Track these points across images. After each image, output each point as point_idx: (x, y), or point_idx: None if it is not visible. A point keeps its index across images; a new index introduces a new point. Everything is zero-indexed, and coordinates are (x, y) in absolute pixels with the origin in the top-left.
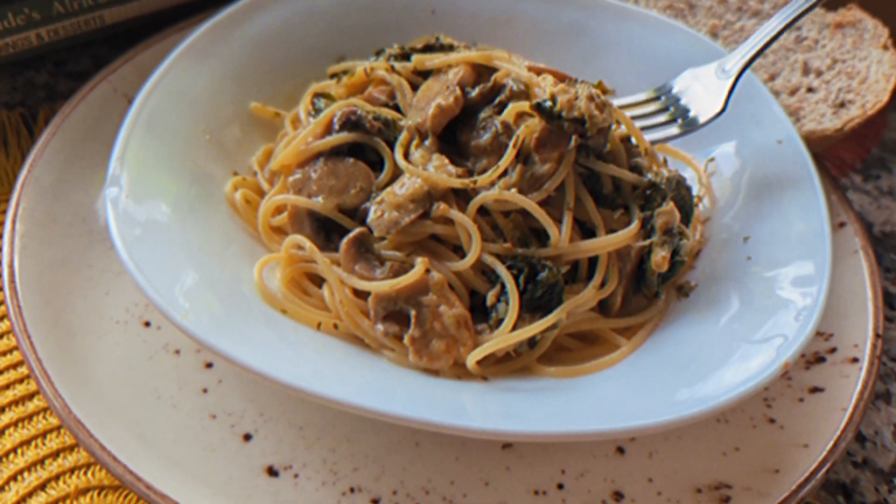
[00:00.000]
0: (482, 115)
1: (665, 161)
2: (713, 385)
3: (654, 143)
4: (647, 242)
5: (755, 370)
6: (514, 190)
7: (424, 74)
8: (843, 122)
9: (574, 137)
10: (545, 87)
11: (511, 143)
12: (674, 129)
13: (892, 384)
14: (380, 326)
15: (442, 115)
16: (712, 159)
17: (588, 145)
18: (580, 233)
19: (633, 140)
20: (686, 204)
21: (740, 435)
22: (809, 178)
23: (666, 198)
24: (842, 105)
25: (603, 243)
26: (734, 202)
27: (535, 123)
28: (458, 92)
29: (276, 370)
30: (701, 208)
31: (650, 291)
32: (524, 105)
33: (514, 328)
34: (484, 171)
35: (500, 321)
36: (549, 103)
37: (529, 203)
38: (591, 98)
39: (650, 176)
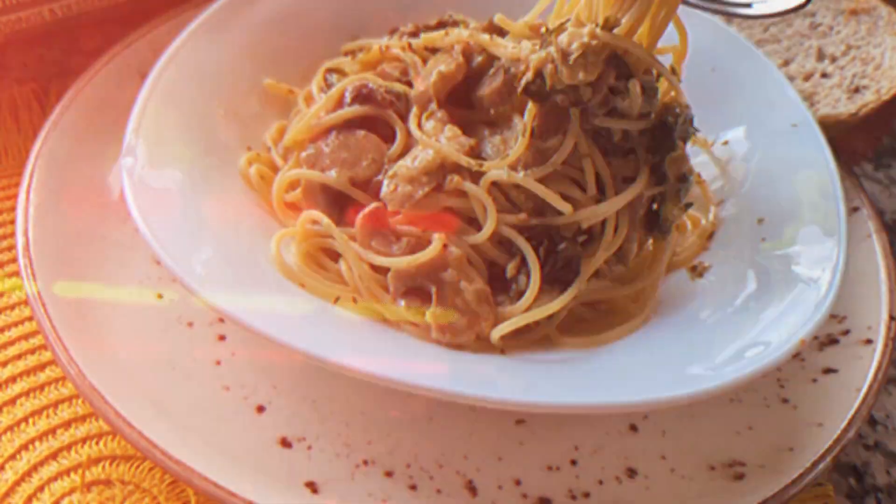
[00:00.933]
0: (490, 72)
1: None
2: (727, 362)
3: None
4: (659, 189)
5: (770, 348)
6: (520, 169)
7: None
8: (858, 107)
9: (571, 110)
10: (524, 58)
11: (521, 133)
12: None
13: None
14: (402, 302)
15: (442, 80)
16: (726, 142)
17: (590, 108)
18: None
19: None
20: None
21: (754, 414)
22: (825, 161)
23: (675, 141)
24: (856, 90)
25: (615, 204)
26: (748, 184)
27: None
28: (461, 59)
29: (294, 337)
30: (714, 189)
31: (662, 234)
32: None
33: (535, 301)
34: (495, 124)
35: (520, 293)
36: (534, 85)
37: (537, 186)
38: (565, 55)
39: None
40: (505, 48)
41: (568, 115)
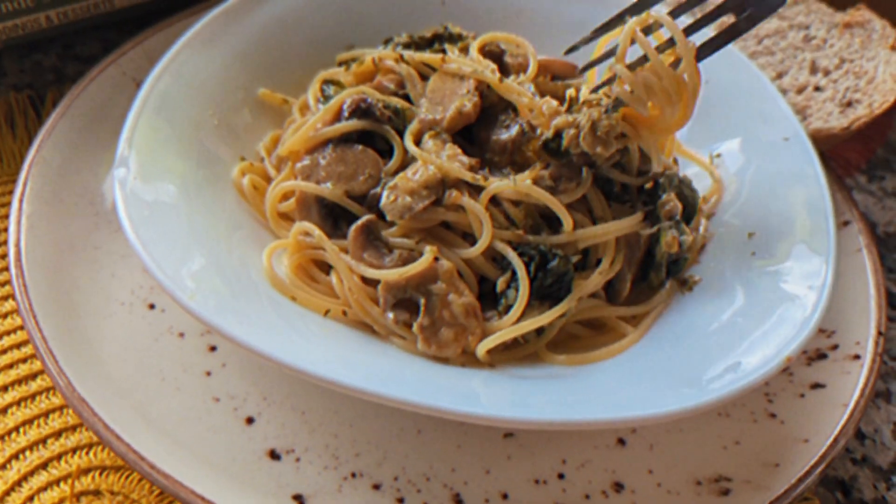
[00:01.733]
0: (502, 116)
1: (675, 161)
2: (715, 378)
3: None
4: (654, 229)
5: (757, 364)
6: (528, 182)
7: (433, 66)
8: (850, 121)
9: (585, 168)
10: (546, 116)
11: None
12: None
13: (893, 383)
14: (390, 314)
15: (461, 119)
16: (719, 155)
17: (601, 170)
18: (591, 222)
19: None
20: (689, 202)
21: (741, 429)
22: (815, 175)
23: (667, 192)
24: (849, 104)
25: (611, 228)
26: (739, 198)
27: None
28: (478, 98)
29: (282, 353)
30: (706, 204)
31: (658, 278)
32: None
33: (523, 315)
34: (497, 165)
35: (509, 307)
36: (553, 143)
37: (545, 195)
38: (593, 127)
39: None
40: (520, 97)
41: (579, 171)
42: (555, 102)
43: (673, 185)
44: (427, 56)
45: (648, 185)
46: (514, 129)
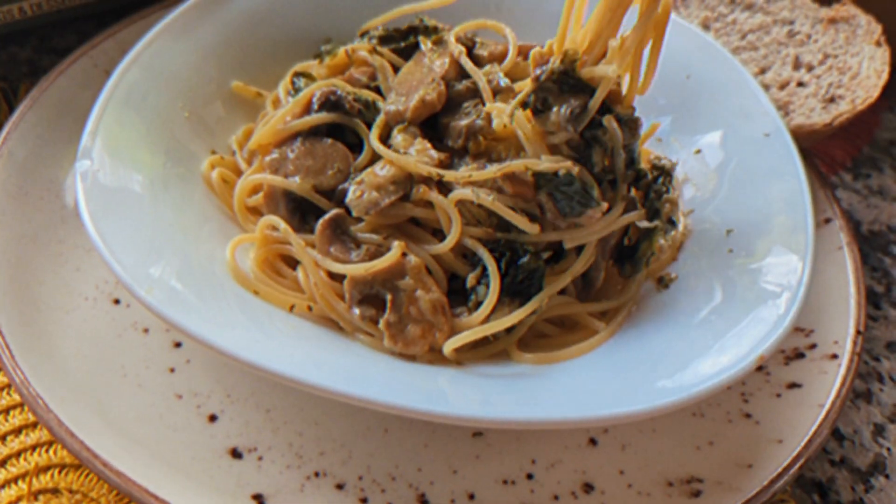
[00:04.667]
0: (465, 104)
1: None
2: (688, 376)
3: None
4: (652, 225)
5: (730, 362)
6: (491, 197)
7: (406, 55)
8: (833, 117)
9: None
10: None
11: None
12: None
13: (873, 383)
14: (356, 310)
15: (424, 108)
16: (698, 151)
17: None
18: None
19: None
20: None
21: (715, 429)
22: (795, 172)
23: (671, 185)
24: (832, 100)
25: (587, 233)
26: (718, 194)
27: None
28: (443, 87)
29: (244, 350)
30: (684, 199)
31: (633, 270)
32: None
33: (493, 312)
34: (459, 154)
35: (479, 304)
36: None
37: (504, 209)
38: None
39: (664, 161)
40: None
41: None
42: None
43: (671, 181)
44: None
45: (649, 178)
46: (472, 116)
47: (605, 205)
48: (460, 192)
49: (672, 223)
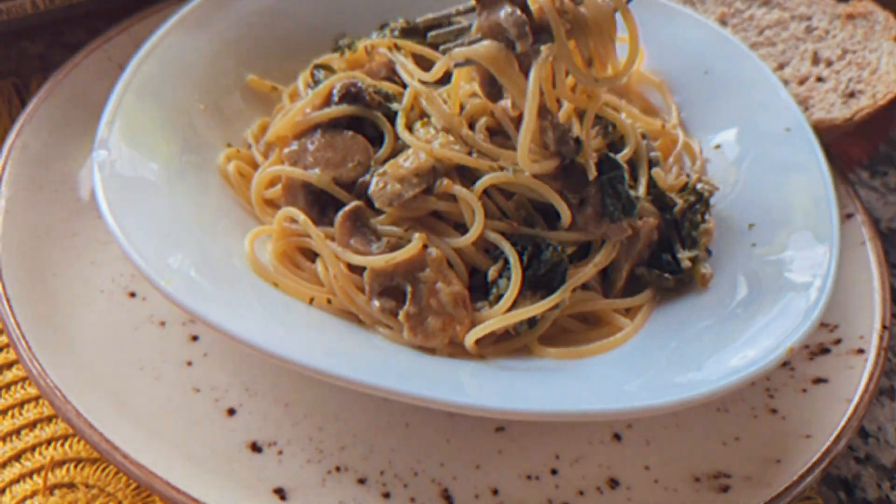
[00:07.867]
0: None
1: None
2: (714, 370)
3: None
4: (688, 257)
5: (757, 356)
6: (528, 174)
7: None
8: (853, 112)
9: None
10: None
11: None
12: None
13: None
14: (375, 302)
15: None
16: (718, 146)
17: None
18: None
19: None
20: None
21: (741, 424)
22: (818, 166)
23: (708, 212)
24: (851, 95)
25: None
26: (739, 189)
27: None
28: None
29: (265, 340)
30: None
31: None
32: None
33: (514, 305)
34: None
35: (500, 297)
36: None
37: (540, 184)
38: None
39: (701, 185)
40: None
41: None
42: None
43: (707, 209)
44: (417, 47)
45: (682, 203)
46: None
47: (639, 223)
48: (494, 176)
49: (709, 253)
